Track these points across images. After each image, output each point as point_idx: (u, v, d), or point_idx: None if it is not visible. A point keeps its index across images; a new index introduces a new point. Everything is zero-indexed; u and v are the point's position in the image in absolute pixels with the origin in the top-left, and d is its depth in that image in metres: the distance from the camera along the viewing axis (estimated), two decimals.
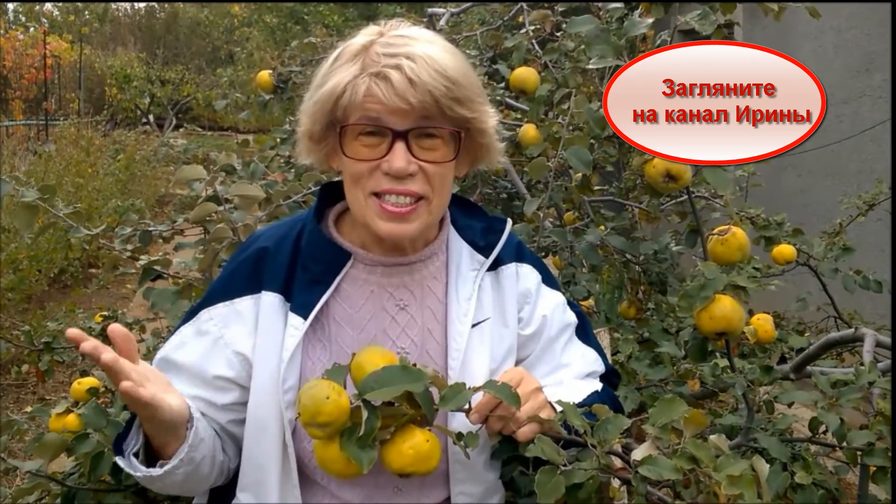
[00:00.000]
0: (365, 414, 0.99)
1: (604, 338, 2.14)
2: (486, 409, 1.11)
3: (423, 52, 1.14)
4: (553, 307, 1.37)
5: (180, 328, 1.28)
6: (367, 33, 1.21)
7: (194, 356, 1.24)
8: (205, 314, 1.25)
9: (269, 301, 1.22)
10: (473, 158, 1.29)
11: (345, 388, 1.02)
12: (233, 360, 1.22)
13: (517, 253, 1.37)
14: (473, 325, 1.26)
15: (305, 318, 1.20)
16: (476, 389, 1.07)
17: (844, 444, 1.61)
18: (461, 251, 1.31)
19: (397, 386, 1.00)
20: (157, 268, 2.06)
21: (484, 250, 1.31)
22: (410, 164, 1.15)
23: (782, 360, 2.62)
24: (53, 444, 1.58)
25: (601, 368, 1.41)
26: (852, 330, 2.25)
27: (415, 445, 1.03)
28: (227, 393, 1.24)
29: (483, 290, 1.29)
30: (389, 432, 1.03)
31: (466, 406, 1.08)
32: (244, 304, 1.23)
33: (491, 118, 1.24)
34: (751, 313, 2.35)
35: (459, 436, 1.07)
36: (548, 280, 1.40)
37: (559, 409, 1.16)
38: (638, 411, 2.03)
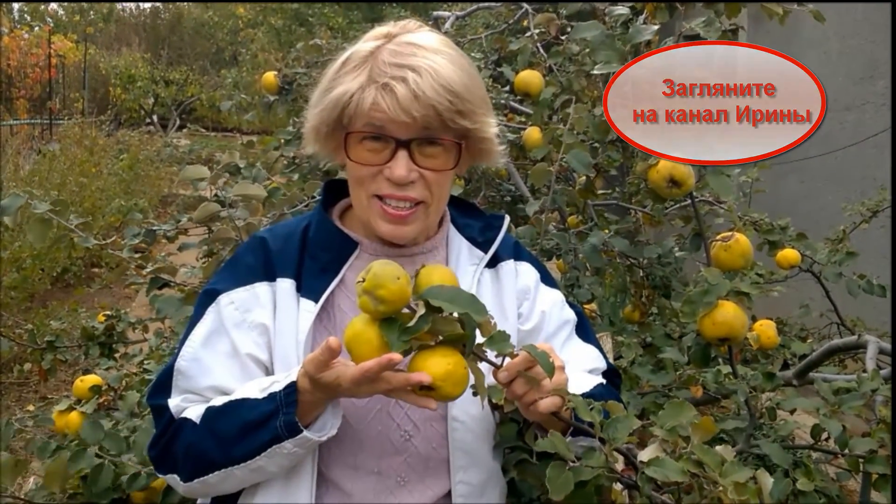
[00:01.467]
0: (421, 310, 1.00)
1: (606, 342, 2.14)
2: (516, 369, 1.10)
3: (428, 64, 1.17)
4: (551, 304, 1.39)
5: (204, 317, 1.26)
6: (375, 36, 1.23)
7: (226, 347, 1.24)
8: (224, 298, 1.25)
9: (285, 287, 1.25)
10: (473, 160, 1.33)
11: None
12: (259, 341, 1.24)
13: (515, 251, 1.40)
14: None
15: (316, 301, 1.23)
16: (512, 354, 1.08)
17: (846, 451, 1.61)
18: (460, 247, 1.35)
19: (460, 305, 1.01)
20: (165, 276, 2.08)
21: (483, 245, 1.35)
22: (412, 171, 1.20)
23: (785, 366, 2.62)
24: (60, 472, 1.59)
25: (602, 366, 1.42)
26: (855, 336, 2.25)
27: (453, 362, 1.04)
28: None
29: (482, 284, 1.33)
30: (434, 341, 1.05)
31: (500, 360, 1.09)
32: (262, 288, 1.26)
33: (492, 127, 1.27)
34: (753, 319, 2.34)
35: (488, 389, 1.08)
36: (546, 278, 1.42)
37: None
38: (639, 418, 2.03)
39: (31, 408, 4.50)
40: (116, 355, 2.69)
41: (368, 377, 1.03)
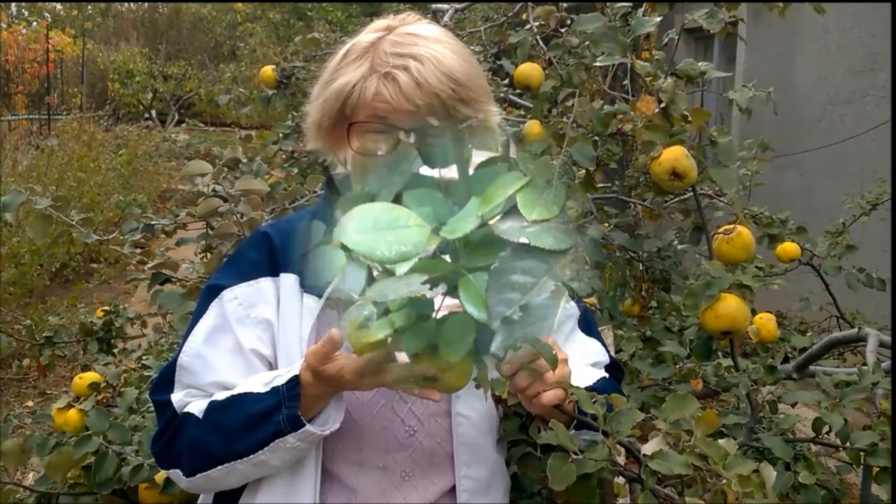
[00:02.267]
0: None
1: (607, 335, 2.14)
2: (519, 361, 1.09)
3: (429, 53, 1.17)
4: None
5: (207, 312, 1.26)
6: (375, 28, 1.23)
7: (229, 343, 1.24)
8: (228, 293, 1.25)
9: (288, 283, 1.25)
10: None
11: None
12: (262, 336, 1.24)
13: None
14: None
15: (320, 296, 1.23)
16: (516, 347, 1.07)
17: (848, 444, 1.61)
18: None
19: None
20: (166, 272, 2.08)
21: None
22: None
23: (785, 359, 2.61)
24: (64, 462, 1.59)
25: (605, 360, 1.42)
26: (855, 330, 2.24)
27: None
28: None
29: None
30: None
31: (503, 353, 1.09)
32: (266, 283, 1.25)
33: (495, 116, 1.27)
34: (753, 312, 2.34)
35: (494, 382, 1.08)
36: None
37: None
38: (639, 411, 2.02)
39: (29, 403, 4.50)
40: (115, 351, 2.69)
41: (372, 368, 1.02)
